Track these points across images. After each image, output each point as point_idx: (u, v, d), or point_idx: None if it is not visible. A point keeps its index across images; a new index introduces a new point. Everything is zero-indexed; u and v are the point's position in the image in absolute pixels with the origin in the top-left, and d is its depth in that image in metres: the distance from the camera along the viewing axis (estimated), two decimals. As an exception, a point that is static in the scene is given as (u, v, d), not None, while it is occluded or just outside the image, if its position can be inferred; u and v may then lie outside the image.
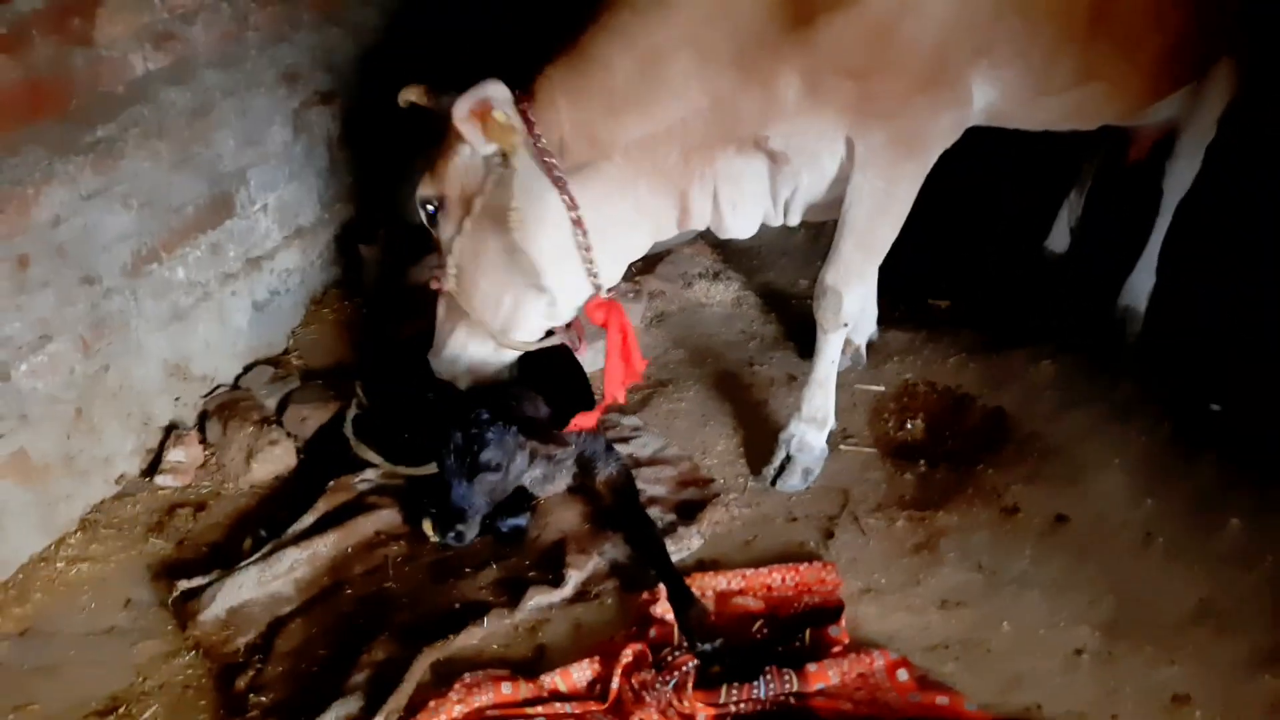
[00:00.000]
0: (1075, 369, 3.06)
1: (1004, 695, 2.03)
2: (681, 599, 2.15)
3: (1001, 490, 2.59)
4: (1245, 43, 2.70)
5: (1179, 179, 3.08)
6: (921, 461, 2.72)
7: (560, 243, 2.31)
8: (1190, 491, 2.56)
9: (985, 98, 2.31)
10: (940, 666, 2.09)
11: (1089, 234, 3.57)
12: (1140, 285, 3.25)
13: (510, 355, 2.51)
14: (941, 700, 1.99)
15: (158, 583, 2.31)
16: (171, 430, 2.67)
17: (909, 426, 2.90)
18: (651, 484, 2.57)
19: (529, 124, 2.19)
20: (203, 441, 2.68)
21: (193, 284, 2.69)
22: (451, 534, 2.19)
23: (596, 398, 2.63)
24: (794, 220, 2.57)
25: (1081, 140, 3.29)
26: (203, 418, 2.74)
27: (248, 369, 2.93)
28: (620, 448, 2.64)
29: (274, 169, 2.92)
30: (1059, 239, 3.62)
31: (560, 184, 2.24)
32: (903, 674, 2.05)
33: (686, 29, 2.10)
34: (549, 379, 2.54)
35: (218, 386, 2.84)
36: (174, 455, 2.60)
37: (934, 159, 2.34)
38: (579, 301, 2.46)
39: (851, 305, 2.50)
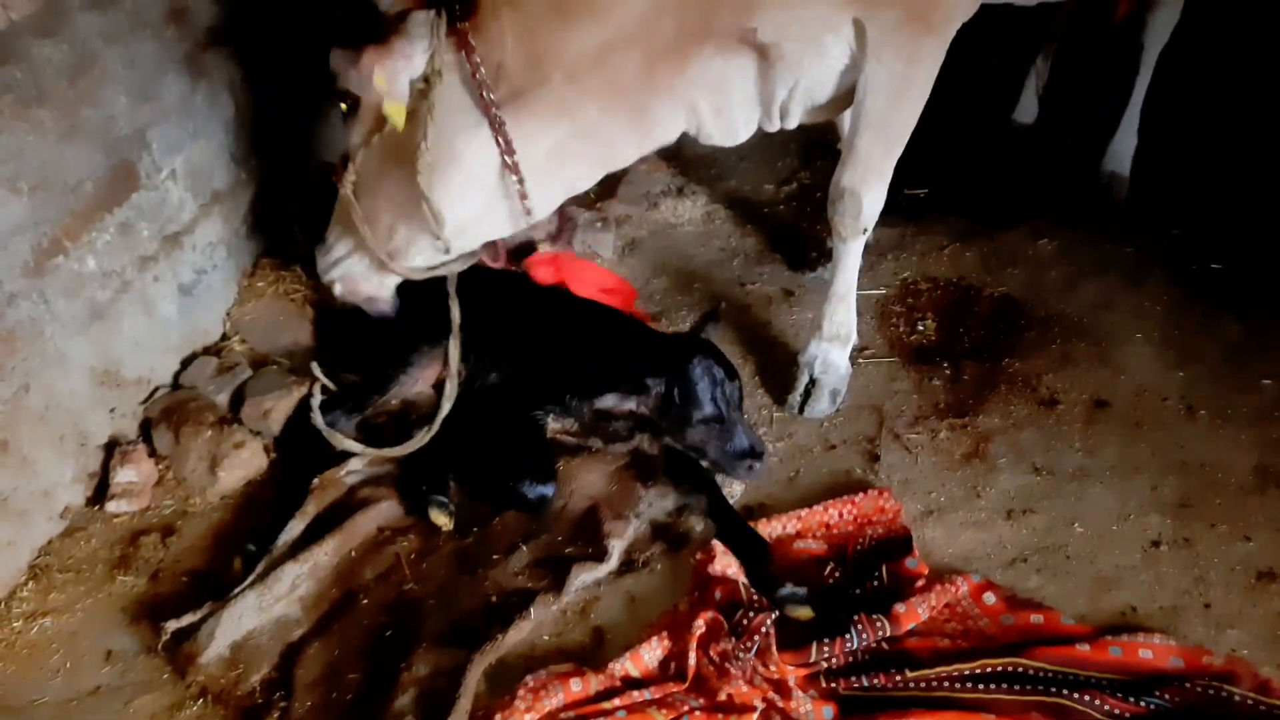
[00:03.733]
0: (1074, 241, 2.96)
1: (1095, 602, 1.93)
2: (752, 547, 1.97)
3: (1034, 382, 2.48)
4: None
5: (1160, 29, 2.95)
6: (944, 363, 2.58)
7: (478, 189, 2.06)
8: (1217, 356, 2.50)
9: None
10: (1024, 582, 1.98)
11: (1060, 101, 3.42)
12: (1123, 148, 3.15)
13: (393, 282, 2.30)
14: (1036, 619, 1.88)
15: (139, 626, 1.99)
16: (114, 447, 2.29)
17: (921, 328, 2.74)
18: (674, 430, 2.35)
19: (468, 49, 1.91)
20: (153, 455, 2.32)
21: (107, 274, 2.29)
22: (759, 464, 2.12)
23: None
24: (792, 123, 2.29)
25: (1045, 9, 3.10)
26: (147, 427, 2.37)
27: (186, 363, 2.55)
28: (628, 394, 2.42)
29: (176, 126, 2.48)
30: (1027, 109, 3.48)
31: (497, 124, 1.97)
32: (989, 597, 1.92)
33: None
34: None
35: (157, 389, 2.46)
36: (123, 476, 2.24)
37: (951, 35, 2.10)
38: (495, 236, 2.26)
39: (872, 208, 2.28)
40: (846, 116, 2.25)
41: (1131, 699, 1.71)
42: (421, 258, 2.21)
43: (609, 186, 3.38)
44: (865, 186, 2.22)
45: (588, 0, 1.91)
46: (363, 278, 2.28)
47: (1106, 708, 1.70)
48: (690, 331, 2.40)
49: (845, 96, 2.16)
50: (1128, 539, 2.06)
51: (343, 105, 2.09)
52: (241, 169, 2.75)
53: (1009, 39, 3.42)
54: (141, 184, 2.38)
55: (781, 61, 2.06)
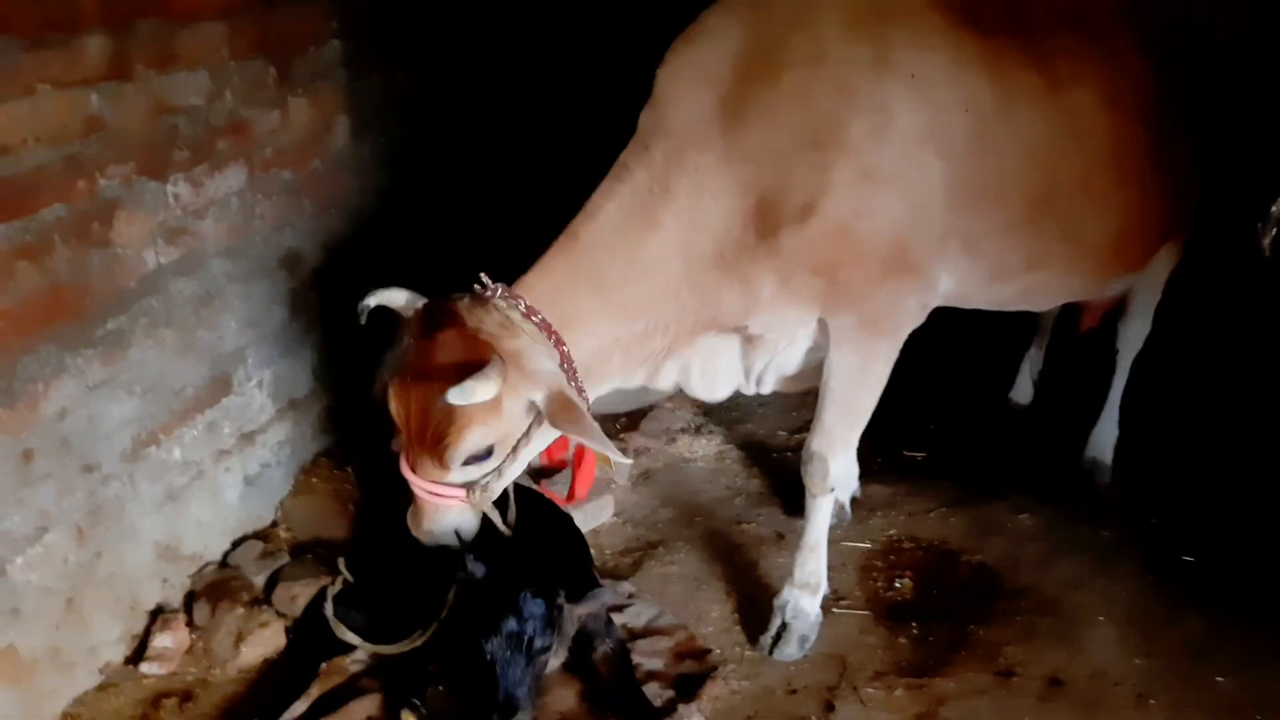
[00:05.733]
0: (1054, 520, 3.15)
1: None
2: None
3: (995, 651, 2.62)
4: (1188, 227, 2.94)
5: (1132, 339, 3.27)
6: (914, 622, 2.74)
7: None
8: (1178, 648, 2.61)
9: (944, 283, 2.47)
10: None
11: (1052, 386, 3.73)
12: (1104, 438, 3.39)
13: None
14: None
15: (145, 782, 2.23)
16: (158, 614, 2.62)
17: (898, 585, 2.93)
18: (648, 657, 2.55)
19: (563, 355, 2.18)
20: (190, 624, 2.63)
21: (188, 463, 2.71)
22: None
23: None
24: (766, 390, 2.69)
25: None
26: (190, 599, 2.70)
27: (236, 544, 2.92)
28: (615, 617, 2.64)
29: (270, 346, 3.00)
30: (1023, 391, 3.78)
31: (581, 393, 2.24)
32: None
33: (676, 241, 2.24)
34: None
35: (206, 565, 2.81)
36: (160, 641, 2.55)
37: (904, 335, 2.48)
38: None
39: (838, 470, 2.60)
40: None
41: None
42: None
43: (634, 420, 3.77)
44: (831, 452, 2.54)
45: (635, 309, 2.29)
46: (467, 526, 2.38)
47: None
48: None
49: (810, 372, 2.55)
50: (1061, 822, 2.13)
51: (472, 459, 2.16)
52: (319, 383, 3.24)
53: (1005, 325, 3.79)
54: (234, 391, 2.86)
55: (763, 344, 2.48)
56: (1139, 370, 3.32)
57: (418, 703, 2.30)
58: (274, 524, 3.05)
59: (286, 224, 2.93)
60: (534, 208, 2.95)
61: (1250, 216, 3.47)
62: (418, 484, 2.22)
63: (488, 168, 4.15)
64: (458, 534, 2.30)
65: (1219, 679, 2.49)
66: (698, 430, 3.74)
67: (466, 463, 2.16)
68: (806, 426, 3.75)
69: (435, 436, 2.11)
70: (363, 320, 2.29)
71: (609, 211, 2.24)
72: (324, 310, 3.17)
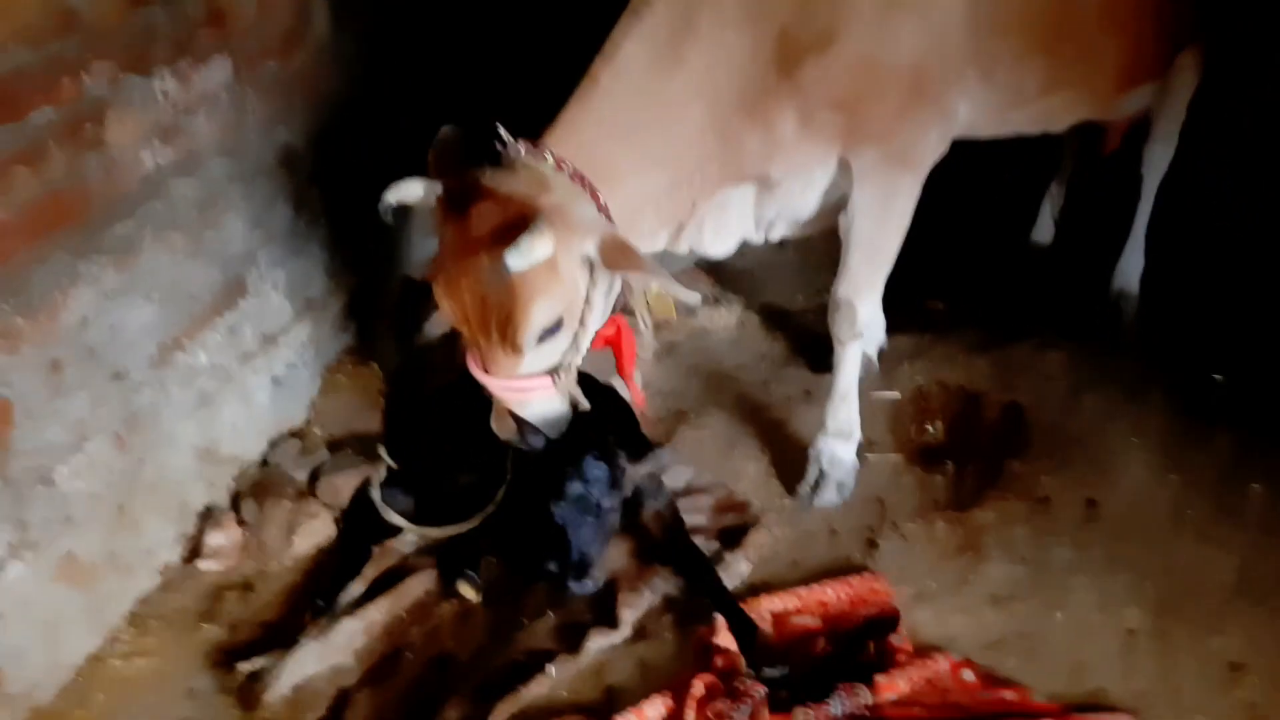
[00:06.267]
0: (1081, 355, 3.15)
1: (1068, 684, 2.08)
2: (743, 628, 2.18)
3: (1031, 482, 2.66)
4: (1207, 31, 2.82)
5: (1156, 162, 3.20)
6: (948, 462, 2.78)
7: None
8: (1211, 464, 2.65)
9: (963, 112, 2.39)
10: (1002, 663, 2.14)
11: (1074, 222, 3.67)
12: (1131, 268, 3.36)
13: None
14: (1009, 695, 2.03)
15: (217, 669, 2.31)
16: (208, 514, 2.67)
17: (930, 429, 2.96)
18: (691, 514, 2.59)
19: (600, 206, 2.08)
20: (240, 522, 2.69)
21: (215, 368, 2.71)
22: (589, 581, 2.17)
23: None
24: (775, 237, 2.65)
25: (1051, 140, 3.39)
26: (236, 498, 2.75)
27: (274, 444, 2.95)
28: (652, 480, 2.69)
29: (281, 246, 2.94)
30: (1044, 230, 3.72)
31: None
32: (967, 674, 2.09)
33: (700, 79, 2.14)
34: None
35: (246, 465, 2.85)
36: (214, 539, 2.60)
37: (927, 170, 2.42)
38: None
39: (865, 315, 2.58)
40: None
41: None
42: None
43: (650, 296, 3.73)
44: (858, 297, 2.52)
45: (660, 159, 2.20)
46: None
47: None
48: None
49: (821, 216, 2.51)
50: (1105, 629, 2.21)
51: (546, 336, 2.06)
52: (333, 281, 3.20)
53: (1024, 164, 3.71)
54: (249, 293, 2.82)
55: (779, 188, 2.42)
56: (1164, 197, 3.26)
57: (472, 574, 2.37)
58: (307, 422, 3.07)
59: (280, 120, 2.84)
60: (534, 76, 2.83)
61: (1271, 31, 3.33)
62: (497, 383, 2.12)
63: (483, 43, 3.98)
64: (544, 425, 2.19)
65: (1254, 486, 2.53)
66: (716, 301, 3.70)
67: (539, 341, 2.05)
68: (825, 289, 3.78)
69: (501, 321, 1.99)
70: (387, 219, 2.13)
71: (629, 51, 2.10)
72: (328, 206, 3.11)
